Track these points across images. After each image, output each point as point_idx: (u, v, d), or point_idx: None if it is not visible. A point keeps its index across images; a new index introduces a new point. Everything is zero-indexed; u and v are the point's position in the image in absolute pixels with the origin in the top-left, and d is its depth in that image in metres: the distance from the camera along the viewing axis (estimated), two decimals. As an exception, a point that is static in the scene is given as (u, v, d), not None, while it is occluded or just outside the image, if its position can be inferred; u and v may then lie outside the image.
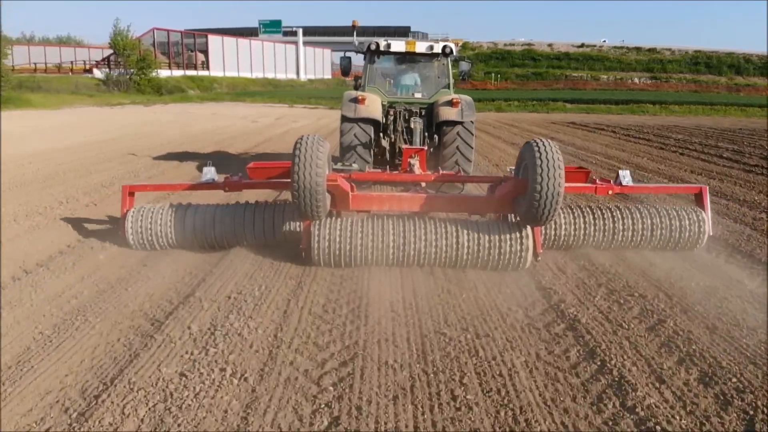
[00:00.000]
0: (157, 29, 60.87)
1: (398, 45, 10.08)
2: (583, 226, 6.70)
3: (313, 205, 5.65)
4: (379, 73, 10.74)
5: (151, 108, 39.31)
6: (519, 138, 21.37)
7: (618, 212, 6.79)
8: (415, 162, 8.11)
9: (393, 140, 10.09)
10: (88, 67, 55.41)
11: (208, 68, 67.13)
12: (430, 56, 10.36)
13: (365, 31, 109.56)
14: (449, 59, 10.23)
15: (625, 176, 7.03)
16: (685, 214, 6.77)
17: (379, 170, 8.50)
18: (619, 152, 17.72)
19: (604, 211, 6.81)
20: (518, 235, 6.06)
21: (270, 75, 78.47)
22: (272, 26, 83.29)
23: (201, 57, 66.76)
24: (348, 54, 11.40)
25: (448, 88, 10.25)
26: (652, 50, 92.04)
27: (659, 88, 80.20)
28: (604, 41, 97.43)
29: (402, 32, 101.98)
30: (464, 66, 11.47)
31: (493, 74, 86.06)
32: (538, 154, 5.52)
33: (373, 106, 9.58)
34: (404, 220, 6.15)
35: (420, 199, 6.39)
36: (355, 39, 11.63)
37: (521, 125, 27.25)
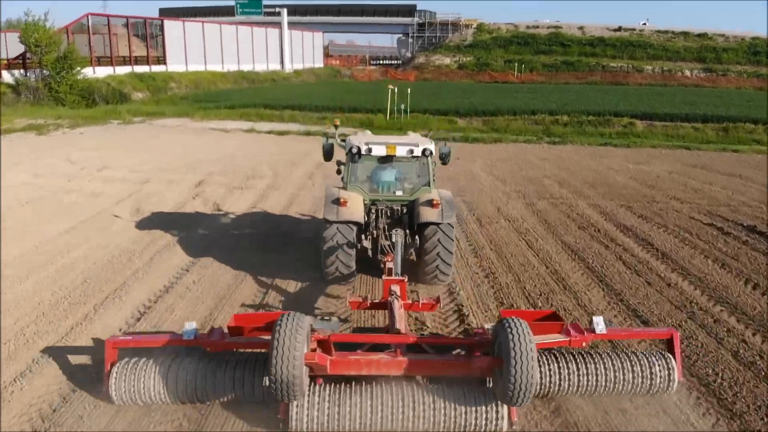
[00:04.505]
0: (92, 14, 47.33)
1: (379, 149, 9.98)
2: (557, 379, 6.63)
3: (290, 393, 5.75)
4: (361, 172, 10.40)
5: (36, 142, 26.34)
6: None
7: (588, 359, 6.73)
8: (396, 289, 8.04)
9: (375, 236, 10.12)
10: (-5, 66, 41.92)
11: (164, 62, 53.73)
12: (411, 157, 10.16)
13: (364, 11, 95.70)
14: (429, 159, 10.14)
15: (599, 323, 6.81)
16: (655, 360, 6.75)
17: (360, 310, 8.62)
18: None
19: (574, 358, 6.76)
20: (494, 403, 6.14)
21: (247, 67, 64.93)
22: (251, 6, 69.65)
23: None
24: (330, 141, 11.16)
25: (428, 185, 10.22)
26: (702, 35, 77.81)
27: (716, 84, 66.79)
28: (645, 23, 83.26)
29: (407, 11, 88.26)
30: (444, 150, 11.18)
31: (516, 64, 72.52)
32: (512, 344, 5.63)
33: (354, 207, 9.72)
34: (382, 391, 6.20)
35: (399, 364, 6.29)
36: (338, 137, 11.04)
37: (667, 249, 14.09)
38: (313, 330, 6.36)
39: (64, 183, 18.22)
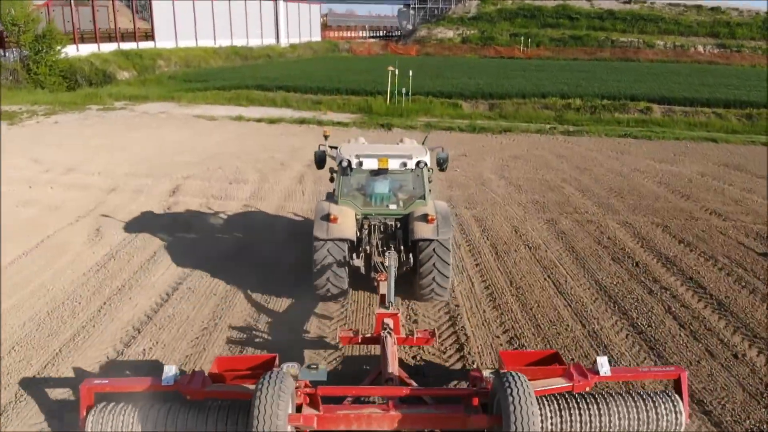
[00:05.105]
0: (73, -11, 44.59)
1: (370, 162, 9.55)
2: (558, 424, 6.24)
3: None
4: (353, 185, 10.05)
5: (5, 135, 24.07)
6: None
7: (591, 400, 6.40)
8: (390, 322, 7.64)
9: (368, 253, 9.73)
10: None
11: (153, 38, 51.03)
12: (404, 170, 9.79)
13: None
14: (424, 170, 9.71)
15: (603, 364, 6.53)
16: (661, 402, 6.43)
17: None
18: None
19: (576, 400, 6.41)
20: None
21: (240, 42, 62.07)
22: (245, -23, 66.17)
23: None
24: (322, 148, 10.73)
25: (423, 198, 9.74)
26: (715, 9, 74.64)
27: (730, 60, 63.93)
28: (656, -5, 79.92)
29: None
30: (441, 155, 10.71)
31: (522, 38, 69.57)
32: (512, 407, 5.44)
33: (345, 224, 9.34)
34: None
35: (392, 418, 6.05)
36: (328, 148, 10.61)
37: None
38: (299, 380, 6.11)
39: (23, 191, 16.16)
